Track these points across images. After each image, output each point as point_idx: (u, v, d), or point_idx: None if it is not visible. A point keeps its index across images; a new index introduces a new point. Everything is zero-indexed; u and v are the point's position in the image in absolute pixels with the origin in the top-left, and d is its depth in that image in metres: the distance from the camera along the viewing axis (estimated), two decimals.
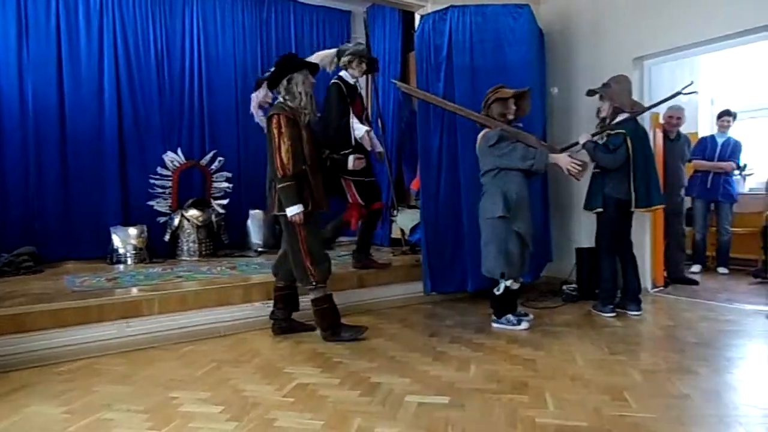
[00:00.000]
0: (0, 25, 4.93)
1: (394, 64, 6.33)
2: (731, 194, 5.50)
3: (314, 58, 4.13)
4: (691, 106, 6.62)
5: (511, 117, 3.70)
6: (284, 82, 3.30)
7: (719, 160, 5.49)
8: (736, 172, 5.68)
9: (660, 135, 4.88)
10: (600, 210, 3.93)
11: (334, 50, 4.37)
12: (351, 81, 4.22)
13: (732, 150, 5.51)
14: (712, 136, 5.69)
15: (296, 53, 6.33)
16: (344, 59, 4.23)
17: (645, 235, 4.64)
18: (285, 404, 2.37)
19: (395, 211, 5.77)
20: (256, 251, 5.62)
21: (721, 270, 5.61)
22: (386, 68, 6.34)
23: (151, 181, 5.32)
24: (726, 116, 5.58)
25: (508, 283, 3.58)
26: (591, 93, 4.05)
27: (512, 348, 3.18)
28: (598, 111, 4.06)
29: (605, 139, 3.90)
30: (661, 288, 4.80)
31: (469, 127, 4.09)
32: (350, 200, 4.22)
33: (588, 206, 4.04)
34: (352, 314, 3.88)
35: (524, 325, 3.60)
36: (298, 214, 3.15)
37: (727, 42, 4.15)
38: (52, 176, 5.09)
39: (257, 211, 5.78)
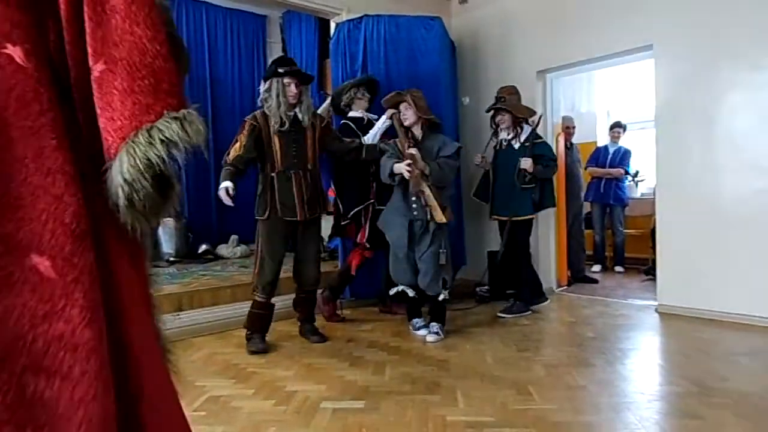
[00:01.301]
0: None
1: (310, 71, 6.29)
2: (622, 198, 6.00)
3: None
4: (590, 118, 7.16)
5: (406, 123, 3.49)
6: (263, 85, 3.33)
7: (610, 167, 5.97)
8: (628, 177, 6.20)
9: (562, 144, 5.22)
10: (531, 216, 4.08)
11: (327, 101, 4.30)
12: (359, 115, 4.04)
13: (621, 158, 6.01)
14: (605, 146, 6.19)
15: (209, 56, 6.23)
16: (346, 97, 4.04)
17: (550, 238, 4.93)
18: (197, 418, 2.29)
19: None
20: (167, 261, 5.39)
21: (618, 269, 6.08)
22: None
23: None
24: (617, 128, 6.09)
25: (399, 287, 3.61)
26: (494, 109, 4.13)
27: (426, 350, 3.27)
28: (497, 124, 4.14)
29: (523, 147, 4.02)
30: (565, 287, 5.12)
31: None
32: (358, 239, 4.01)
33: (520, 213, 4.02)
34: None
35: (421, 332, 3.55)
36: (221, 190, 3.15)
37: (615, 59, 4.53)
38: None
39: (169, 219, 5.55)
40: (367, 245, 3.99)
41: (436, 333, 3.45)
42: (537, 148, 4.02)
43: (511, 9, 4.96)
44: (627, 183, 6.21)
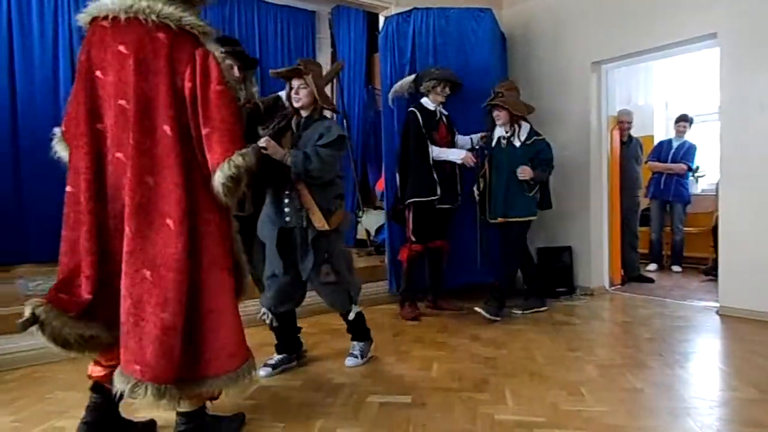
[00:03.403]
0: None
1: (359, 66, 6.34)
2: (683, 195, 5.71)
3: (395, 87, 4.11)
4: (647, 110, 6.88)
5: (298, 104, 2.72)
6: None
7: (672, 162, 5.70)
8: (691, 174, 5.91)
9: (617, 138, 5.04)
10: (532, 218, 3.95)
11: (411, 76, 4.16)
12: (431, 107, 3.96)
13: (685, 153, 5.72)
14: (669, 140, 5.91)
15: (260, 52, 6.35)
16: (426, 84, 3.96)
17: (602, 235, 4.78)
18: (247, 407, 2.34)
19: (361, 213, 5.78)
20: None
21: (675, 268, 5.83)
22: (351, 69, 6.35)
23: None
24: (683, 121, 5.80)
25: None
26: (490, 107, 3.92)
27: (475, 346, 3.22)
28: (492, 121, 3.98)
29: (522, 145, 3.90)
30: (619, 286, 4.95)
31: None
32: (406, 234, 4.01)
33: (522, 214, 3.90)
34: (317, 314, 3.86)
35: (262, 372, 2.72)
36: None
37: (676, 49, 4.32)
38: (5, 177, 4.91)
39: None
40: (413, 239, 3.96)
41: (355, 356, 2.90)
42: (537, 145, 3.90)
43: (563, 0, 4.81)
44: (690, 179, 5.91)
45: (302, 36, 6.76)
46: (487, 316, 3.74)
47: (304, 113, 2.73)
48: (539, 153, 3.90)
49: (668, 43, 4.21)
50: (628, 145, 5.33)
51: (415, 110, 3.95)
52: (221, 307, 1.80)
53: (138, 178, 1.70)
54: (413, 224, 3.95)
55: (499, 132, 3.99)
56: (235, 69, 2.83)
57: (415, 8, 4.43)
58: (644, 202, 5.81)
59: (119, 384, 1.73)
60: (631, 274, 5.25)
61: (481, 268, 4.17)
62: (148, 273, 1.70)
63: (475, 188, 4.06)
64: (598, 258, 4.75)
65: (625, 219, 5.17)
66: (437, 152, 3.90)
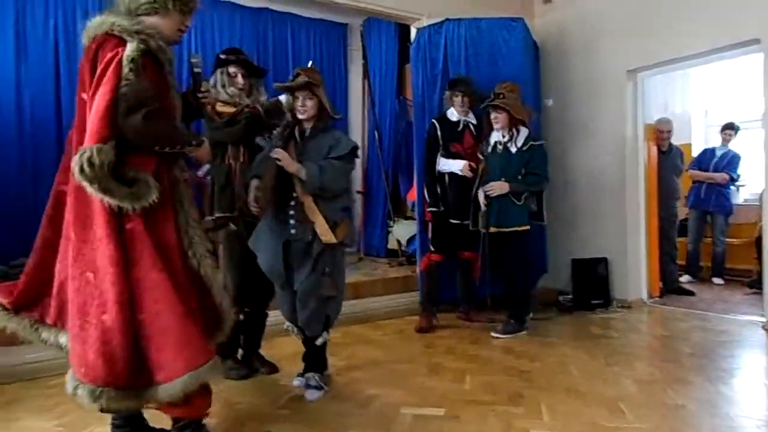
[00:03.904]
0: None
1: (390, 77, 6.38)
2: (724, 206, 5.52)
3: None
4: (684, 118, 6.70)
5: (303, 116, 2.63)
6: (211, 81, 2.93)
7: (714, 171, 5.53)
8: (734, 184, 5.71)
9: (654, 148, 4.92)
10: (526, 227, 3.71)
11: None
12: (454, 118, 3.94)
13: (729, 162, 5.54)
14: (713, 148, 5.73)
15: (293, 65, 6.44)
16: (445, 95, 3.99)
17: (639, 246, 4.66)
18: (279, 417, 2.36)
19: (392, 222, 5.79)
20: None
21: (716, 280, 5.62)
22: (383, 80, 6.40)
23: None
24: (729, 129, 5.62)
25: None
26: (491, 107, 3.71)
27: (508, 359, 3.17)
28: (488, 123, 3.79)
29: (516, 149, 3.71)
30: (657, 298, 4.81)
31: None
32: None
33: (520, 223, 3.68)
34: (348, 324, 3.87)
35: (296, 382, 2.76)
36: None
37: (716, 55, 4.20)
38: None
39: None
40: (432, 248, 3.94)
41: (316, 387, 2.64)
42: (532, 151, 3.70)
43: (599, 7, 4.74)
44: (732, 189, 5.70)
45: (334, 48, 6.85)
46: (502, 336, 3.63)
47: (307, 124, 2.67)
48: (531, 160, 3.68)
49: (708, 50, 4.10)
50: (668, 155, 5.19)
51: (435, 122, 4.00)
52: (164, 309, 1.75)
53: (75, 184, 1.74)
54: (432, 234, 3.96)
55: (495, 136, 3.79)
56: (239, 77, 2.83)
57: (447, 19, 4.44)
58: (683, 212, 5.64)
59: (68, 386, 1.78)
60: (669, 287, 5.09)
61: (481, 281, 3.95)
62: (91, 276, 1.74)
63: (480, 197, 3.73)
64: (635, 269, 4.63)
65: (663, 229, 5.03)
66: (442, 164, 3.91)
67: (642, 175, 4.70)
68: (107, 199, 1.68)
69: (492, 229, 3.69)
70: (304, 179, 2.48)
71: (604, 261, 4.59)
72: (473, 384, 2.75)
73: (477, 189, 3.77)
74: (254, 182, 2.56)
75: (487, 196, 3.67)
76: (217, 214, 2.75)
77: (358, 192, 6.45)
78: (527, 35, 4.59)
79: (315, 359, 2.73)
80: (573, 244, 4.84)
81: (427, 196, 4.01)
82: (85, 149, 1.64)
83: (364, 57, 6.25)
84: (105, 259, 1.71)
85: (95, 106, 1.68)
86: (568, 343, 3.51)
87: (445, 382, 2.78)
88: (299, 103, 2.60)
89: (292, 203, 2.56)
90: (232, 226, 2.75)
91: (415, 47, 4.55)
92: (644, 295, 4.70)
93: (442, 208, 3.92)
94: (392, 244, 5.89)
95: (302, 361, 2.78)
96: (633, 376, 2.82)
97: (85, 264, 1.74)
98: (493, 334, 3.67)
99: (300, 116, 2.63)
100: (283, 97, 2.76)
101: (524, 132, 3.74)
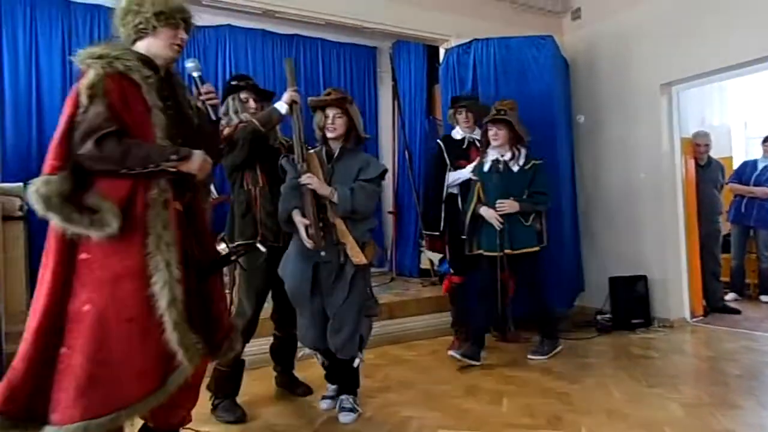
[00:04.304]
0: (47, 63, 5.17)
1: (419, 97, 6.42)
2: (766, 220, 5.30)
3: None
4: (722, 131, 6.53)
5: (333, 135, 2.65)
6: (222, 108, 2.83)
7: (755, 184, 5.35)
8: None
9: (692, 161, 4.81)
10: (537, 249, 3.53)
11: None
12: (459, 136, 3.91)
13: None
14: (754, 161, 5.54)
15: (324, 88, 6.56)
16: (448, 113, 3.98)
17: (680, 263, 4.53)
18: None
19: (423, 242, 5.77)
20: None
21: (764, 298, 5.40)
22: (412, 101, 6.45)
23: None
24: None
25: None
26: (491, 122, 3.52)
27: (546, 381, 3.10)
28: (487, 139, 3.58)
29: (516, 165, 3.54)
30: (701, 318, 4.64)
31: None
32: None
33: (534, 243, 3.51)
34: (382, 345, 3.86)
35: (324, 404, 2.79)
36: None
37: (757, 66, 4.09)
38: None
39: None
40: (451, 270, 3.88)
41: (351, 410, 2.61)
42: (536, 170, 3.52)
43: (630, 21, 4.70)
44: None
45: (364, 71, 6.95)
46: (543, 358, 3.51)
47: (335, 144, 2.66)
48: (535, 180, 3.51)
49: (746, 61, 4.00)
50: (706, 168, 5.06)
51: (440, 142, 3.98)
52: (80, 347, 1.63)
53: None
54: (449, 255, 3.90)
55: (492, 154, 3.56)
56: (251, 101, 2.84)
57: (475, 39, 4.46)
58: (727, 227, 5.47)
59: None
60: (714, 305, 4.91)
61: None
62: (33, 301, 1.74)
63: (491, 216, 3.48)
64: (676, 288, 4.49)
65: (705, 246, 4.88)
66: (452, 178, 3.82)
67: (680, 190, 4.58)
68: (71, 228, 1.63)
69: (506, 251, 3.45)
70: (336, 202, 2.50)
71: (643, 279, 4.47)
72: (511, 406, 2.70)
73: (472, 210, 3.54)
74: (297, 217, 2.52)
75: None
76: (238, 242, 2.64)
77: (390, 212, 6.47)
78: (557, 52, 4.58)
79: (349, 381, 2.69)
80: (610, 262, 4.73)
81: (427, 217, 3.91)
82: (33, 182, 1.63)
83: (394, 79, 6.32)
84: (42, 288, 1.67)
85: (52, 138, 1.69)
86: (608, 364, 3.41)
87: (481, 404, 2.74)
88: (329, 120, 2.61)
89: (321, 225, 2.54)
90: (262, 248, 2.59)
91: (443, 68, 4.58)
92: (687, 314, 4.54)
93: (437, 233, 3.87)
94: (425, 264, 5.85)
95: (326, 381, 2.82)
96: (678, 399, 2.72)
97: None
98: (529, 356, 3.57)
99: (329, 134, 2.63)
100: (279, 105, 2.66)
101: (523, 151, 3.57)
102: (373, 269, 5.38)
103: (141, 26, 1.83)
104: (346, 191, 2.51)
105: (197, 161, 1.84)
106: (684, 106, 4.74)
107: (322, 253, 2.53)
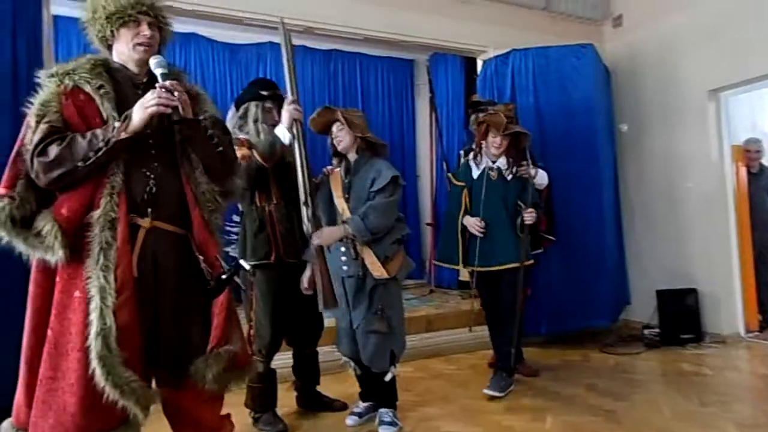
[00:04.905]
0: None
1: (457, 109, 6.41)
2: None
3: None
4: None
5: (340, 147, 2.67)
6: (232, 110, 2.80)
7: None
8: None
9: (743, 169, 4.62)
10: (530, 262, 3.22)
11: None
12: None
13: None
14: None
15: (363, 101, 6.64)
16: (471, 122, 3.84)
17: (733, 275, 4.34)
18: None
19: None
20: None
21: None
22: (450, 112, 6.44)
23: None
24: None
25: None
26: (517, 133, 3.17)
27: (591, 397, 3.01)
28: (478, 145, 3.29)
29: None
30: (756, 332, 4.42)
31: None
32: None
33: (521, 258, 3.11)
34: (421, 358, 3.84)
35: (350, 421, 2.73)
36: None
37: None
38: None
39: None
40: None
41: (390, 423, 2.58)
42: (524, 181, 3.19)
43: (674, 26, 4.57)
44: None
45: (401, 84, 7.01)
46: (497, 394, 3.04)
47: (351, 156, 2.66)
48: (525, 190, 3.18)
49: None
50: (759, 176, 4.84)
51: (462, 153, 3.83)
52: (49, 375, 1.56)
53: None
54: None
55: (485, 162, 3.24)
56: (274, 112, 2.66)
57: (513, 50, 4.43)
58: None
59: None
60: None
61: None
62: None
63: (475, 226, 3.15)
64: (729, 301, 4.30)
65: (760, 256, 4.66)
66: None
67: (731, 199, 4.41)
68: (33, 253, 1.58)
69: (494, 267, 3.15)
70: (354, 235, 2.48)
71: (693, 292, 4.30)
72: (554, 424, 2.63)
73: (461, 220, 3.21)
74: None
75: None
76: (252, 262, 2.48)
77: (428, 224, 6.44)
78: (597, 60, 4.49)
79: (386, 395, 2.67)
80: (657, 275, 4.57)
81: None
82: None
83: (431, 90, 6.33)
84: (27, 311, 1.65)
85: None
86: (657, 381, 3.30)
87: (523, 421, 2.68)
88: (334, 135, 2.65)
89: (341, 240, 2.55)
90: (246, 266, 2.03)
91: (481, 79, 4.56)
92: (741, 329, 4.33)
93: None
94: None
95: (360, 398, 2.79)
96: (733, 419, 2.59)
97: None
98: (486, 391, 3.06)
99: (338, 147, 2.65)
100: (280, 131, 2.51)
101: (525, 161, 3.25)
102: (411, 281, 5.34)
103: (100, 34, 1.73)
104: (358, 221, 2.46)
105: (137, 110, 1.61)
106: (733, 113, 4.57)
107: (344, 268, 2.55)
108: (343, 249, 2.55)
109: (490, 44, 4.68)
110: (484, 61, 4.62)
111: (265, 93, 2.71)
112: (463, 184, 3.27)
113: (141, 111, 1.60)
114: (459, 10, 4.50)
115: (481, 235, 3.11)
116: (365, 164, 2.64)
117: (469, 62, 5.76)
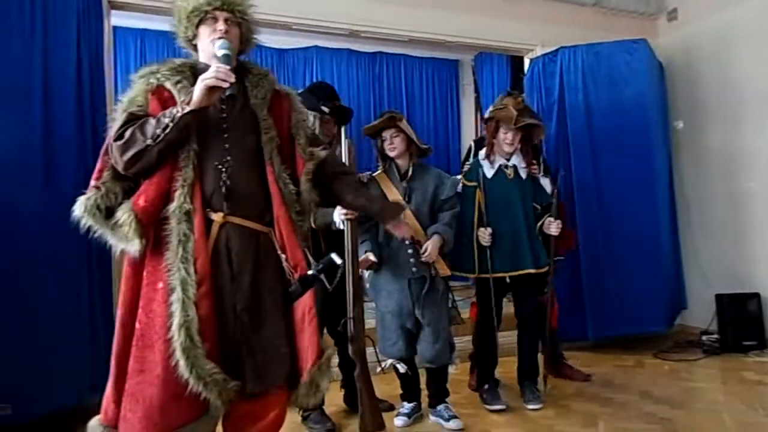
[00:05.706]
0: None
1: None
2: None
3: None
4: None
5: (393, 154, 2.73)
6: None
7: None
8: None
9: None
10: (546, 269, 3.02)
11: None
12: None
13: None
14: None
15: (407, 103, 6.65)
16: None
17: None
18: None
19: None
20: None
21: None
22: None
23: None
24: None
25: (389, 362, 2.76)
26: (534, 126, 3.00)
27: (646, 404, 2.91)
28: (490, 143, 3.05)
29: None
30: None
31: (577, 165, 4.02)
32: None
33: (540, 264, 2.96)
34: (465, 361, 3.79)
35: (399, 421, 2.74)
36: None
37: None
38: None
39: None
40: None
41: (455, 417, 2.66)
42: (535, 180, 3.07)
43: (732, 18, 4.36)
44: None
45: (446, 84, 6.99)
46: (539, 406, 2.92)
47: (402, 162, 2.75)
48: (537, 190, 3.06)
49: None
50: None
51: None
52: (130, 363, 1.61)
53: None
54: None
55: (500, 160, 3.02)
56: (332, 124, 2.69)
57: (562, 47, 4.33)
58: None
59: None
60: None
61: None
62: None
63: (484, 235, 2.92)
64: None
65: None
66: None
67: None
68: (120, 245, 1.60)
69: (510, 273, 2.99)
70: (447, 245, 2.66)
71: (756, 297, 4.08)
72: (607, 431, 2.55)
73: (486, 226, 2.93)
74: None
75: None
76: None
77: None
78: (650, 56, 4.34)
79: (440, 391, 2.77)
80: (716, 278, 4.37)
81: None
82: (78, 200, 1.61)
83: (476, 90, 6.29)
84: (119, 301, 1.69)
85: None
86: (717, 389, 3.15)
87: (574, 427, 2.62)
88: (387, 142, 2.72)
89: (408, 242, 2.60)
90: (338, 260, 1.91)
91: (528, 77, 4.49)
92: None
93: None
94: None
95: (402, 399, 2.81)
96: None
97: None
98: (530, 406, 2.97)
99: (391, 154, 2.73)
100: (336, 216, 2.45)
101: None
102: (456, 283, 5.26)
103: (185, 36, 1.77)
104: (448, 231, 2.66)
105: (197, 85, 1.60)
106: None
107: (413, 269, 2.65)
108: (410, 251, 2.64)
109: (537, 42, 4.60)
110: (532, 60, 4.54)
111: (326, 109, 2.70)
112: (474, 184, 2.98)
113: (200, 84, 1.59)
114: (505, 8, 4.44)
115: (488, 244, 2.90)
116: (421, 170, 2.79)
117: (516, 61, 5.67)
